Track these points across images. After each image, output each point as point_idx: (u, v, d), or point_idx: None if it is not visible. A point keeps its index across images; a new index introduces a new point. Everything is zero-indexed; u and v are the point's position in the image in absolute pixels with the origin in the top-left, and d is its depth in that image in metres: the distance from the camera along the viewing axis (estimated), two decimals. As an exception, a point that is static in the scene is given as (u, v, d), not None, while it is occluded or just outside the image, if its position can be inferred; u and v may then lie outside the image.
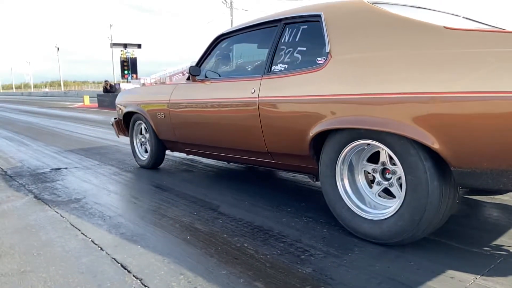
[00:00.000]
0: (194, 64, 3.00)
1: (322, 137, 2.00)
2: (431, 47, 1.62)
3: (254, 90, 2.31)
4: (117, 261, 1.82)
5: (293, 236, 2.08)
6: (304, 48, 2.18)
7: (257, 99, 2.29)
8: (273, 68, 2.28)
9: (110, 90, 17.77)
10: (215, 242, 2.02)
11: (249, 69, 2.72)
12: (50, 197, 2.96)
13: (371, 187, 2.02)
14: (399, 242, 1.86)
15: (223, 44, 2.89)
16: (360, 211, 1.97)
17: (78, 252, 1.94)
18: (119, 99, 4.16)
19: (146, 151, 3.95)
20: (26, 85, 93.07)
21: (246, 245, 1.98)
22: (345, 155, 1.97)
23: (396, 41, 1.73)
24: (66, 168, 4.07)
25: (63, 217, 2.48)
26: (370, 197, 2.01)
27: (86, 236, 2.16)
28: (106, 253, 1.92)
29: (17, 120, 10.66)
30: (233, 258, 1.83)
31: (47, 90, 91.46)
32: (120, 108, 4.05)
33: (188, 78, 3.04)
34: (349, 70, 1.88)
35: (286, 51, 2.24)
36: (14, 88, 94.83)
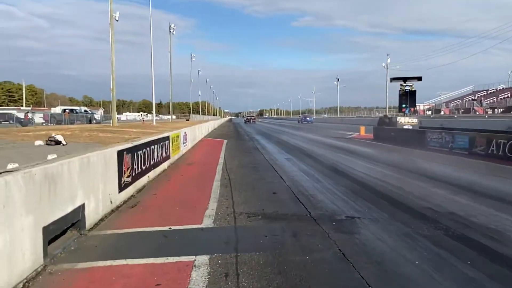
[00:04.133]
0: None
1: None
2: None
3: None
4: None
5: None
6: None
7: None
8: None
9: (387, 122, 18.02)
10: None
11: None
12: (351, 254, 3.19)
13: None
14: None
15: None
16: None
17: None
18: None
19: None
20: (310, 111, 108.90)
21: None
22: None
23: None
24: (359, 218, 4.34)
25: (369, 286, 2.62)
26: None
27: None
28: None
29: (307, 151, 12.38)
30: None
31: (325, 115, 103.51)
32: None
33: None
34: None
35: None
36: (300, 113, 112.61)
